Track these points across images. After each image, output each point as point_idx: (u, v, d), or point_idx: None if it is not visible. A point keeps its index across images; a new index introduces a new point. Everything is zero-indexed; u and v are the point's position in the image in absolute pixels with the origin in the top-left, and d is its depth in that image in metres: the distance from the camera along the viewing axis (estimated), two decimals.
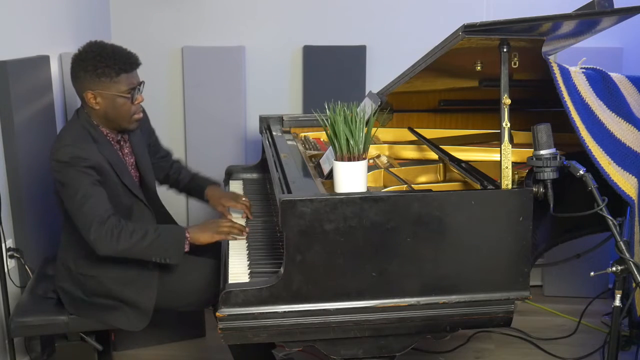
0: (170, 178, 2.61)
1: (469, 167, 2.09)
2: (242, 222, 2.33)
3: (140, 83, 2.20)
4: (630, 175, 2.09)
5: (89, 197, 2.03)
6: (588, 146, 2.01)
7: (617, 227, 1.80)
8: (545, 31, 1.93)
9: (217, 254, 2.28)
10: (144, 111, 2.37)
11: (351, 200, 1.75)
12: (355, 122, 1.85)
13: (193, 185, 2.59)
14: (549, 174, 1.86)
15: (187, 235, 2.10)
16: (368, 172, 1.98)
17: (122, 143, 2.29)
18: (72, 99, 2.96)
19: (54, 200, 2.25)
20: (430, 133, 2.66)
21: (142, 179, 2.36)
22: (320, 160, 2.25)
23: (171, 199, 2.65)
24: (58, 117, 2.84)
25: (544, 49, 1.98)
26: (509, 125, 1.86)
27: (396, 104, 2.75)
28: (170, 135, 3.53)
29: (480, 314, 1.86)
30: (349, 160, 1.86)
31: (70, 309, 2.22)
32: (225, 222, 2.20)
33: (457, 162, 2.16)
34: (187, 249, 2.11)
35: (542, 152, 1.86)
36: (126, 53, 2.17)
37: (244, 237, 2.17)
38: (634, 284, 1.78)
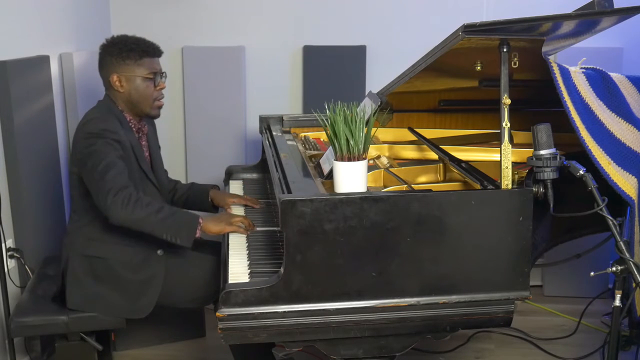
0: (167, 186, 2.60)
1: (469, 167, 2.09)
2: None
3: (163, 73, 2.33)
4: (630, 175, 2.09)
5: (112, 166, 2.10)
6: (588, 146, 2.01)
7: (617, 227, 1.80)
8: (545, 31, 1.93)
9: (217, 251, 2.29)
10: (153, 125, 2.47)
11: (351, 200, 1.75)
12: (355, 122, 1.85)
13: (193, 192, 2.62)
14: (549, 174, 1.85)
15: (200, 221, 2.13)
16: (368, 172, 1.98)
17: (140, 134, 2.36)
18: (72, 98, 2.97)
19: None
20: (430, 133, 2.66)
21: (155, 174, 2.39)
22: (320, 160, 2.25)
23: None
24: (58, 117, 2.84)
25: (544, 49, 1.98)
26: (509, 125, 1.86)
27: (396, 104, 2.75)
28: (170, 135, 3.54)
29: (480, 314, 1.86)
30: (349, 160, 1.86)
31: (74, 298, 2.21)
32: (237, 216, 2.24)
33: (457, 162, 2.16)
34: (198, 234, 2.12)
35: (542, 152, 1.86)
36: (150, 42, 2.33)
37: (253, 230, 2.22)
38: (634, 284, 1.78)
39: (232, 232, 2.18)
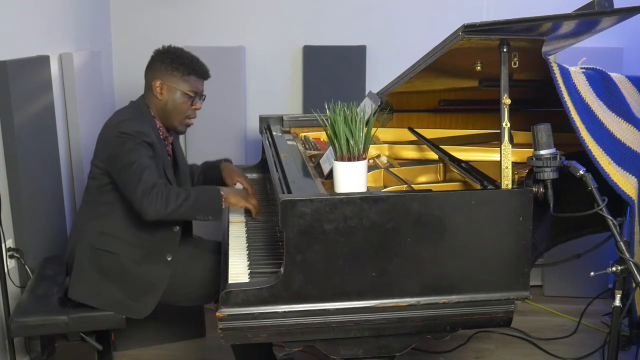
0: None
1: (469, 167, 2.09)
2: (243, 221, 2.39)
3: (203, 95, 2.39)
4: (630, 175, 2.09)
5: (147, 167, 2.14)
6: (588, 146, 2.01)
7: (617, 227, 1.80)
8: (545, 31, 1.93)
9: (218, 248, 2.29)
10: (177, 137, 2.51)
11: (351, 200, 1.75)
12: (355, 122, 1.85)
13: (207, 167, 2.68)
14: (549, 174, 1.86)
15: (222, 194, 2.23)
16: (368, 172, 1.98)
17: (167, 142, 2.39)
18: (72, 98, 2.96)
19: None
20: (430, 133, 2.66)
21: (177, 179, 2.42)
22: (320, 160, 2.25)
23: None
24: (58, 117, 2.84)
25: (544, 49, 1.98)
26: (509, 125, 1.86)
27: (396, 104, 2.75)
28: None
29: (480, 314, 1.87)
30: (349, 160, 1.86)
31: (77, 289, 2.22)
32: (253, 197, 2.36)
33: (457, 162, 2.16)
34: (224, 206, 2.23)
35: (542, 152, 1.86)
36: (202, 63, 2.38)
37: (258, 215, 2.34)
38: (634, 284, 1.78)
39: (245, 207, 2.31)
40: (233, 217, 2.40)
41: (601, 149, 2.04)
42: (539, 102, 2.59)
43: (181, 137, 3.52)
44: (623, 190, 2.06)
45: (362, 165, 1.87)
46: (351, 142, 1.85)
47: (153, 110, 2.34)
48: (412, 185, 2.11)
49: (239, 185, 2.56)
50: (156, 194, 2.10)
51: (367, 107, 2.53)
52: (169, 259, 2.25)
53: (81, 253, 2.24)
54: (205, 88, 2.43)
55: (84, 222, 2.30)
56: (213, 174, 2.63)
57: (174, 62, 2.31)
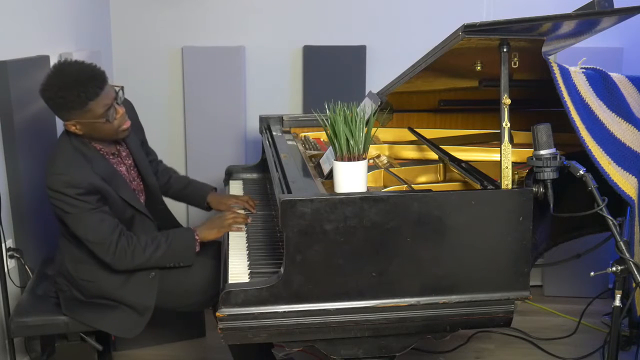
0: (159, 181, 2.54)
1: (469, 167, 2.09)
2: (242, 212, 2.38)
3: (117, 93, 2.12)
4: (630, 175, 2.09)
5: (93, 226, 2.07)
6: (588, 146, 2.01)
7: (617, 227, 1.80)
8: (545, 31, 1.93)
9: (217, 254, 2.28)
10: (130, 104, 2.36)
11: (351, 200, 1.75)
12: (355, 122, 1.85)
13: (190, 192, 2.61)
14: (549, 174, 1.86)
15: (197, 237, 2.17)
16: (368, 172, 1.98)
17: (117, 148, 2.27)
18: None
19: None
20: (430, 133, 2.65)
21: (143, 179, 2.36)
22: (320, 160, 2.25)
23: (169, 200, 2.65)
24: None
25: (544, 49, 1.98)
26: (509, 125, 1.86)
27: (396, 104, 2.75)
28: (170, 135, 3.54)
29: (480, 314, 1.87)
30: (349, 160, 1.86)
31: (67, 311, 2.21)
32: (228, 214, 2.27)
33: (457, 162, 2.16)
34: (198, 249, 2.17)
35: (542, 152, 1.86)
36: (89, 76, 2.03)
37: (249, 222, 2.27)
38: (634, 284, 1.78)
39: (229, 231, 2.22)
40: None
41: (601, 149, 2.04)
42: (539, 102, 2.59)
43: (181, 137, 3.54)
44: (623, 190, 2.06)
45: (362, 165, 1.87)
46: (351, 142, 1.85)
47: (85, 138, 2.13)
48: (412, 185, 2.11)
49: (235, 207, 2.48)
50: (117, 252, 2.07)
51: (367, 107, 2.53)
52: (152, 275, 2.18)
53: (64, 281, 2.22)
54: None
55: (61, 252, 2.26)
56: (197, 201, 2.59)
57: (66, 101, 2.01)
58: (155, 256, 2.12)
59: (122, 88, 2.16)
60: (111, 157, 2.23)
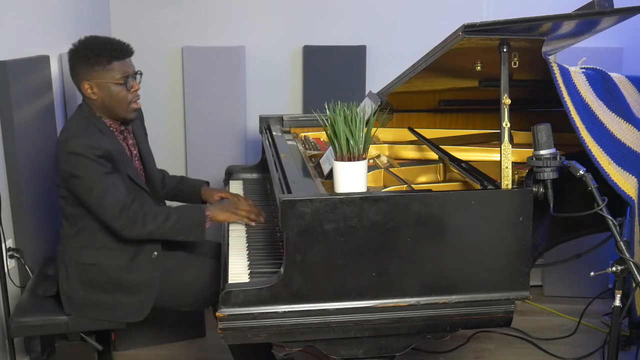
0: None
1: (469, 167, 2.09)
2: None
3: (136, 72, 2.24)
4: (630, 175, 2.09)
5: (108, 189, 2.09)
6: (588, 146, 2.01)
7: (617, 227, 1.80)
8: (545, 31, 1.93)
9: (217, 253, 2.28)
10: (140, 111, 2.39)
11: (351, 200, 1.75)
12: (355, 122, 1.85)
13: (184, 187, 2.61)
14: (549, 174, 1.86)
15: (207, 213, 2.17)
16: (368, 172, 1.98)
17: (125, 134, 2.32)
18: (72, 98, 2.97)
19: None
20: (430, 133, 2.66)
21: (146, 170, 2.38)
22: (320, 160, 2.25)
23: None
24: (58, 117, 2.84)
25: (544, 49, 1.98)
26: (509, 125, 1.86)
27: (396, 104, 2.75)
28: (170, 136, 3.54)
29: (480, 314, 1.87)
30: (349, 160, 1.86)
31: (70, 311, 2.21)
32: (244, 205, 2.29)
33: (457, 162, 2.16)
34: (208, 226, 2.17)
35: (542, 152, 1.86)
36: (118, 42, 2.21)
37: (261, 222, 2.26)
38: (634, 284, 1.78)
39: (236, 221, 2.24)
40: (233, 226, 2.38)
41: (601, 149, 2.04)
42: (539, 102, 2.59)
43: (181, 137, 3.54)
44: (623, 190, 2.06)
45: (362, 165, 1.87)
46: (351, 142, 1.85)
47: (96, 110, 2.22)
48: (412, 185, 2.11)
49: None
50: (129, 216, 2.08)
51: (367, 107, 2.53)
52: (155, 255, 2.20)
53: (68, 270, 2.22)
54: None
55: (64, 240, 2.26)
56: (191, 195, 2.59)
57: (89, 57, 2.15)
58: (166, 225, 2.11)
59: (140, 72, 2.26)
60: (119, 135, 2.28)
